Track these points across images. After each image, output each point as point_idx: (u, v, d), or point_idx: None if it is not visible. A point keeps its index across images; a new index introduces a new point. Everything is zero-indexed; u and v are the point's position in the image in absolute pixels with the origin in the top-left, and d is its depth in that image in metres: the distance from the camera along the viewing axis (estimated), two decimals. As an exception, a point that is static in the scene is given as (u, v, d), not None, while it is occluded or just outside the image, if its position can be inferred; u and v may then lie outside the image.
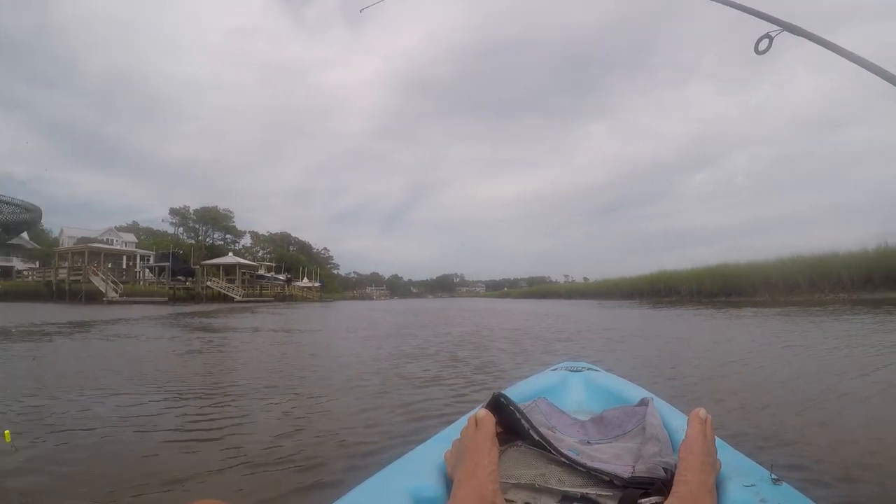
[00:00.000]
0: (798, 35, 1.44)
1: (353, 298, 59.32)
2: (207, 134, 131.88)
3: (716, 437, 0.78)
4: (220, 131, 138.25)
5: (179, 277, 34.15)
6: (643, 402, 1.10)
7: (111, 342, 6.35)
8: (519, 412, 0.84)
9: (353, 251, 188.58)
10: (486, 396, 0.89)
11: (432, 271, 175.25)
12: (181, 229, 59.02)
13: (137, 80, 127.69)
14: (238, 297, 33.41)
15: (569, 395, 1.44)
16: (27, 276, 34.12)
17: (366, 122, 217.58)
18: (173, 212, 58.72)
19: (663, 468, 0.75)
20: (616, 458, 0.84)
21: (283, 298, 38.37)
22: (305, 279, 50.83)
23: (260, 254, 59.70)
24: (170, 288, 32.27)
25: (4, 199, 1.02)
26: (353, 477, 1.49)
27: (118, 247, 41.08)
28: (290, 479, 1.61)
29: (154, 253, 39.04)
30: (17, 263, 38.38)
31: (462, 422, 1.00)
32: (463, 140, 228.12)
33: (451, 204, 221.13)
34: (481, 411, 0.78)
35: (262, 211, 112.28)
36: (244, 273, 39.89)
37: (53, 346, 5.67)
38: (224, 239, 62.07)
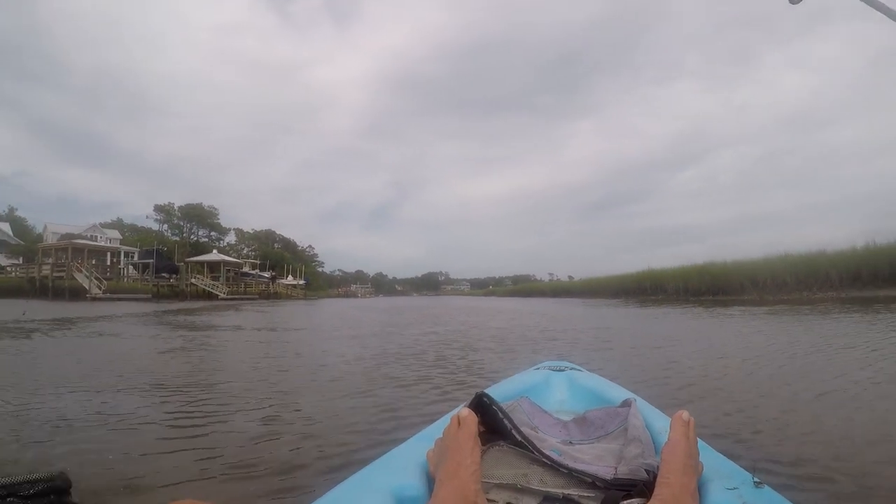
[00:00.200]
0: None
1: (338, 296, 58.95)
2: (195, 131, 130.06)
3: (698, 440, 0.78)
4: (207, 128, 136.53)
5: (164, 274, 33.80)
6: (626, 403, 1.10)
7: (92, 340, 6.21)
8: (501, 412, 0.83)
9: (338, 249, 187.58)
10: (472, 395, 0.88)
11: (417, 269, 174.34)
12: (166, 226, 58.06)
13: (125, 77, 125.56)
14: (222, 295, 33.01)
15: (551, 394, 1.43)
16: (10, 273, 33.31)
17: (352, 119, 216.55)
18: (158, 209, 57.76)
19: (645, 470, 0.74)
20: (598, 459, 0.83)
21: (268, 296, 37.94)
22: (290, 277, 50.27)
23: (245, 251, 58.90)
24: (154, 285, 31.87)
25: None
26: (334, 477, 1.47)
27: (102, 243, 40.25)
28: (269, 480, 1.58)
29: (138, 250, 38.33)
30: (0, 259, 37.44)
31: (445, 420, 0.99)
32: (449, 138, 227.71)
33: (436, 202, 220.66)
34: (464, 410, 0.77)
35: (247, 208, 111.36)
36: (229, 270, 39.45)
37: (32, 344, 5.53)
38: (209, 236, 61.19)
